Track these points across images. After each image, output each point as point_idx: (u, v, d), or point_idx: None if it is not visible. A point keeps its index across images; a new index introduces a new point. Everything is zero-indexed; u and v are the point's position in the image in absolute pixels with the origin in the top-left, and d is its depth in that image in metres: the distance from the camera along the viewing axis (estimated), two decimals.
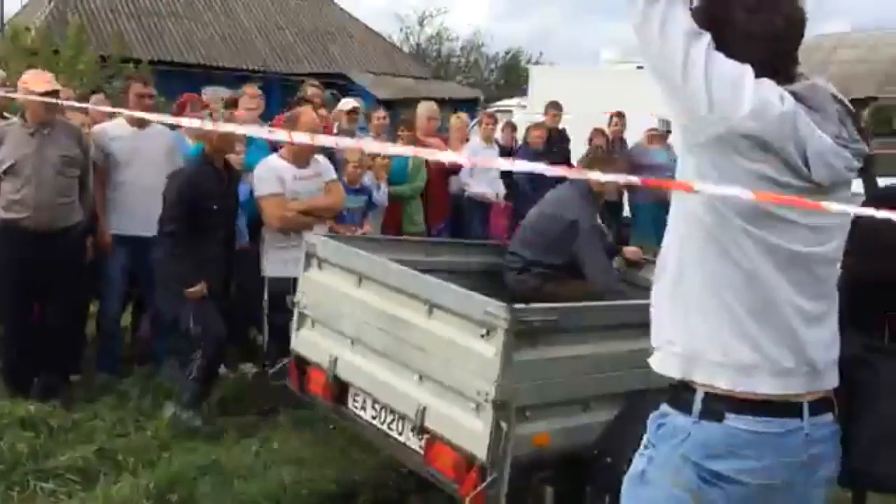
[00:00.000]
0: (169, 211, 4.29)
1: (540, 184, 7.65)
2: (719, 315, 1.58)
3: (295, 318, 3.69)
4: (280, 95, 12.79)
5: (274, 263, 4.49)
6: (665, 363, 1.68)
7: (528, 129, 8.04)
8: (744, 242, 1.55)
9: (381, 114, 6.70)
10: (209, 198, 4.31)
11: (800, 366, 1.59)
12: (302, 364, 3.62)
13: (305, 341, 3.62)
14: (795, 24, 1.62)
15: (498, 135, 8.21)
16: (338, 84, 15.31)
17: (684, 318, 1.63)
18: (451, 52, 39.60)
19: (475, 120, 13.20)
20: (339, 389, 3.41)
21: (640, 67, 11.06)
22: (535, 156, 7.81)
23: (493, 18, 62.69)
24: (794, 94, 1.56)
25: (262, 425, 4.32)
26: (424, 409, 2.91)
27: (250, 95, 5.80)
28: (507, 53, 40.89)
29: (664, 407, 1.69)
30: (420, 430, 2.94)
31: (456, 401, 2.80)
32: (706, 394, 1.60)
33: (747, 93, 1.50)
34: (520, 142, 8.50)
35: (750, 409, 1.57)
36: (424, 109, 7.07)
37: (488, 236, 6.80)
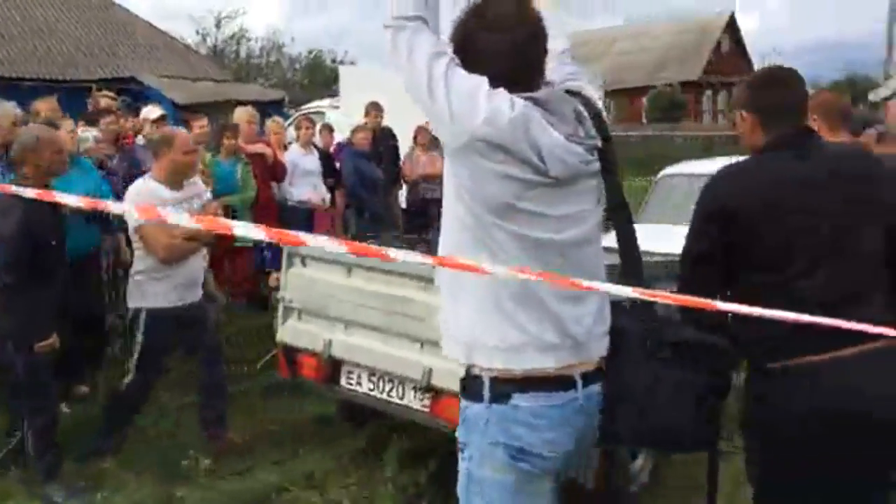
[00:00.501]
0: (6, 255, 3.58)
1: (372, 186, 7.66)
2: (487, 302, 1.80)
3: (280, 312, 4.04)
4: (65, 105, 11.66)
5: (154, 296, 3.96)
6: (451, 349, 1.89)
7: (352, 132, 7.93)
8: (497, 235, 1.77)
9: (201, 122, 6.31)
10: (48, 233, 3.72)
11: (563, 340, 1.81)
12: (291, 353, 4.00)
13: (294, 331, 3.99)
14: (531, 40, 1.81)
15: (315, 137, 8.05)
16: (130, 90, 14.25)
17: (461, 306, 1.84)
18: (250, 52, 38.48)
19: (288, 122, 12.87)
20: (333, 370, 3.83)
21: None
22: (362, 157, 7.76)
23: (289, 17, 61.52)
24: (534, 100, 1.77)
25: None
26: (430, 370, 3.36)
27: (49, 109, 5.24)
28: (309, 53, 40.39)
29: (462, 401, 1.88)
30: (426, 389, 3.43)
31: None
32: (491, 379, 1.81)
33: (481, 103, 1.71)
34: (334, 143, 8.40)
35: (532, 386, 1.78)
36: (243, 114, 6.78)
37: None
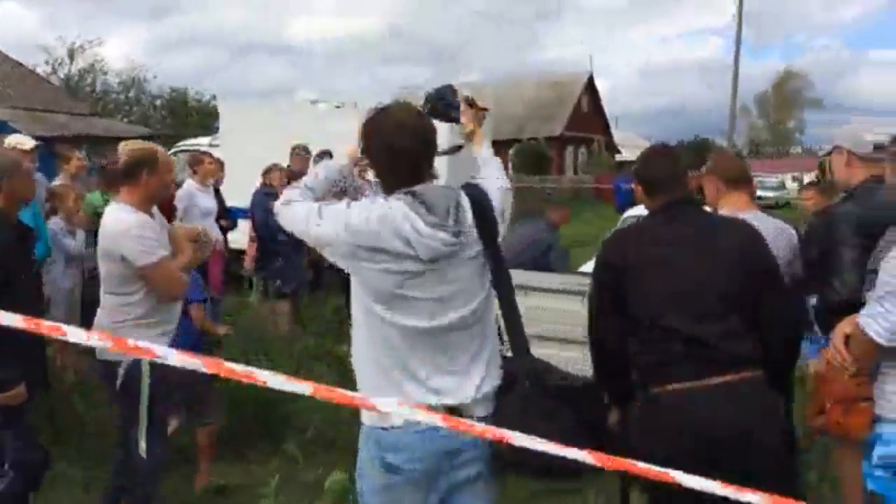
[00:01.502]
0: None
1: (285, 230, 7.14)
2: (373, 366, 2.30)
3: None
4: None
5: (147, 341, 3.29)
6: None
7: (266, 171, 7.45)
8: (384, 315, 2.25)
9: (79, 155, 5.78)
10: (18, 266, 3.30)
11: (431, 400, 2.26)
12: None
13: None
14: (408, 145, 2.23)
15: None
16: None
17: (359, 365, 2.36)
18: (107, 86, 36.54)
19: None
20: None
21: (338, 106, 11.12)
22: (275, 198, 7.35)
23: (152, 52, 59.17)
24: (412, 193, 2.22)
25: None
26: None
27: None
28: (172, 91, 38.84)
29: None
30: None
31: None
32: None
33: (346, 220, 2.23)
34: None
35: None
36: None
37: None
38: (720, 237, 2.67)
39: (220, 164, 7.86)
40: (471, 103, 2.70)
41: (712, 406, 2.45)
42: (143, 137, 18.72)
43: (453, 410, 2.21)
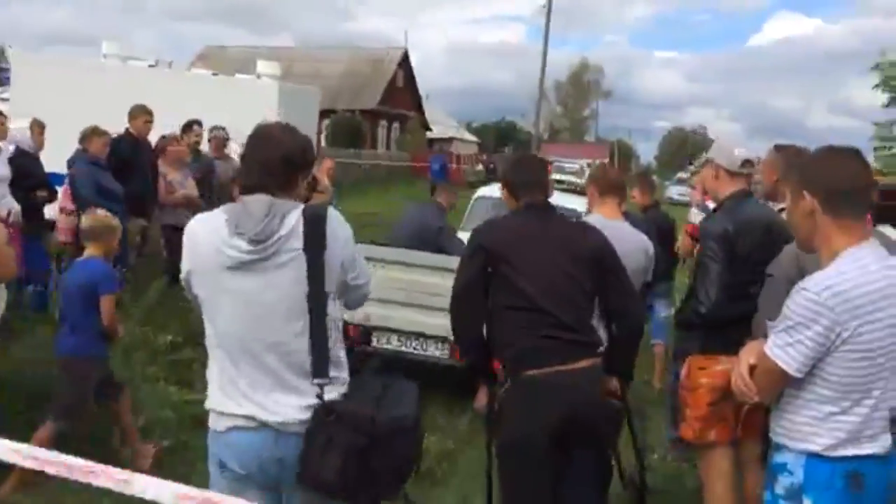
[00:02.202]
0: None
1: (107, 193, 6.38)
2: (211, 372, 2.41)
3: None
4: None
5: None
6: None
7: (88, 135, 6.55)
8: (209, 328, 2.39)
9: None
10: None
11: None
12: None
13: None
14: (260, 159, 2.34)
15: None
16: None
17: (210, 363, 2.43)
18: None
19: None
20: (366, 336, 5.51)
21: (151, 66, 10.15)
22: (100, 167, 6.58)
23: None
24: (235, 204, 2.34)
25: None
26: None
27: None
28: None
29: None
30: (447, 341, 5.29)
31: None
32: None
33: (186, 254, 2.38)
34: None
35: (225, 423, 2.34)
36: None
37: None
38: (576, 238, 3.05)
39: (38, 126, 6.81)
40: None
41: (576, 386, 2.84)
42: None
43: (267, 424, 2.30)
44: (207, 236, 2.30)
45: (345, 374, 2.38)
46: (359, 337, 5.44)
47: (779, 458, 2.30)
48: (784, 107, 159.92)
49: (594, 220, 3.59)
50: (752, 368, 2.27)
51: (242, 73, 13.16)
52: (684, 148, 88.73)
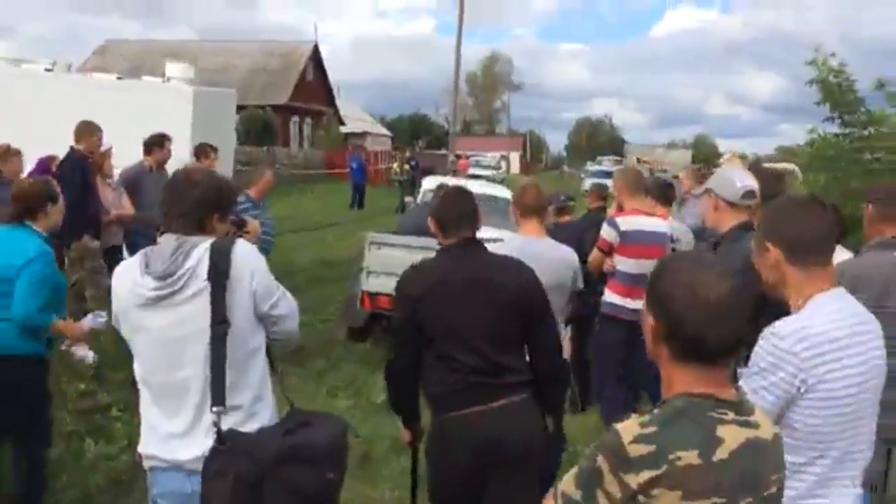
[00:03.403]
0: None
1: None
2: (141, 405, 2.49)
3: (364, 275, 7.35)
4: None
5: None
6: None
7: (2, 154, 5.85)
8: (135, 365, 2.46)
9: None
10: None
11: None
12: (372, 296, 7.32)
13: (375, 284, 7.28)
14: (170, 200, 2.43)
15: None
16: None
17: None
18: None
19: None
20: None
21: (48, 69, 9.26)
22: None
23: None
24: (153, 248, 2.39)
25: None
26: None
27: None
28: None
29: None
30: None
31: None
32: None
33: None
34: None
35: (148, 463, 2.47)
36: None
37: None
38: (497, 278, 3.01)
39: None
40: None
41: (495, 425, 2.92)
42: None
43: (178, 462, 2.38)
44: (124, 278, 2.40)
45: (260, 405, 2.39)
46: (390, 306, 7.14)
47: None
48: (685, 97, 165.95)
49: (518, 240, 3.94)
50: None
51: (147, 74, 12.30)
52: (593, 138, 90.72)
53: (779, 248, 2.20)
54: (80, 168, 6.08)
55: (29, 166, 6.51)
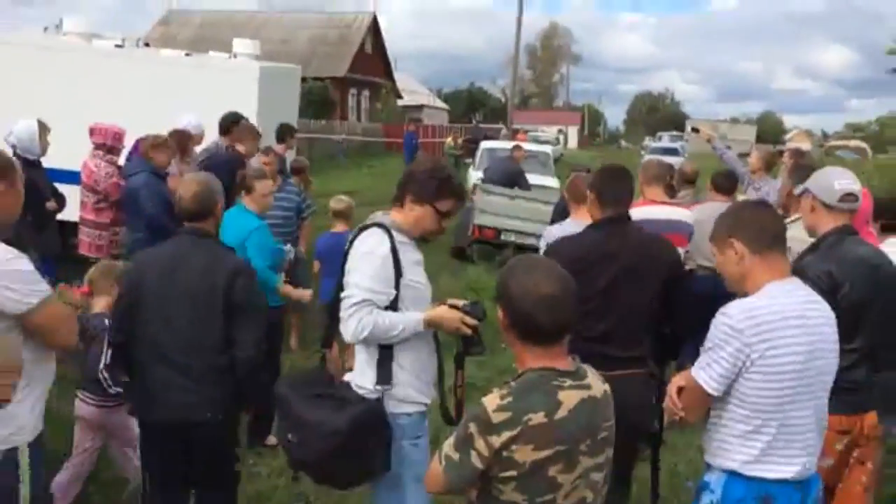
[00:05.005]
0: None
1: (171, 210, 5.57)
2: None
3: (476, 212, 10.61)
4: None
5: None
6: None
7: (155, 145, 5.87)
8: None
9: None
10: None
11: None
12: (482, 228, 10.69)
13: (482, 219, 10.64)
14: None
15: None
16: None
17: None
18: None
19: None
20: (497, 234, 10.68)
21: (118, 46, 9.38)
22: (160, 178, 5.88)
23: None
24: None
25: None
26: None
27: None
28: None
29: None
30: (536, 236, 8.18)
31: None
32: None
33: None
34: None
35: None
36: None
37: None
38: (654, 250, 3.39)
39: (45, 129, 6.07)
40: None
41: (625, 392, 2.83)
42: None
43: None
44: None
45: None
46: (494, 234, 10.64)
47: (706, 477, 2.54)
48: (748, 70, 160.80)
49: (570, 225, 4.36)
50: (680, 390, 2.52)
51: (211, 45, 12.36)
52: (653, 112, 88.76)
53: (741, 240, 2.45)
54: (232, 171, 5.43)
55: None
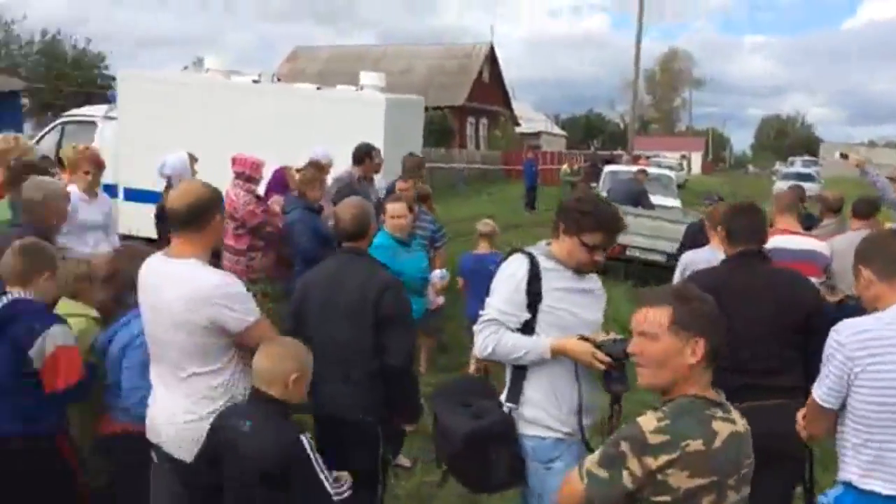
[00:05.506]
0: None
1: (324, 240, 5.87)
2: None
3: None
4: None
5: None
6: None
7: (308, 181, 6.10)
8: None
9: None
10: None
11: None
12: None
13: None
14: None
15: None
16: None
17: None
18: None
19: (46, 130, 10.48)
20: (623, 250, 11.30)
21: (255, 81, 9.93)
22: (313, 212, 6.11)
23: None
24: None
25: None
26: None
27: None
28: (44, 35, 35.15)
29: None
30: (660, 252, 11.24)
31: None
32: None
33: None
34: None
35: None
36: None
37: None
38: (786, 289, 3.40)
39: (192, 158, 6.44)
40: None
41: (774, 419, 2.98)
42: (12, 91, 16.49)
43: None
44: None
45: None
46: (620, 250, 10.82)
47: (832, 488, 2.64)
48: (884, 90, 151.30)
49: (706, 252, 4.72)
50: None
51: (336, 79, 12.86)
52: (781, 136, 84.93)
53: (870, 268, 2.59)
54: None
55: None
